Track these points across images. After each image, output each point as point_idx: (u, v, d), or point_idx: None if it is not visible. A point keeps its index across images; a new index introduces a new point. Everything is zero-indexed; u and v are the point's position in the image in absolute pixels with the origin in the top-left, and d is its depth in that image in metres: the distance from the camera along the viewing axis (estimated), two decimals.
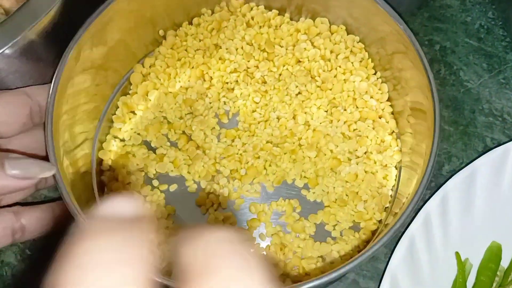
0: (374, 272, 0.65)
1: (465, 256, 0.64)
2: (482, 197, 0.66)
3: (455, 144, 0.70)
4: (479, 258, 0.65)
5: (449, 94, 0.72)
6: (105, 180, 0.65)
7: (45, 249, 0.66)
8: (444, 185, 0.65)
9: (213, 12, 0.69)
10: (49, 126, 0.56)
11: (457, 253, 0.64)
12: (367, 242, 0.63)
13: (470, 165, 0.66)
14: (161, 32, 0.69)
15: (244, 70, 0.68)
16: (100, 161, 0.66)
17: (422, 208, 0.64)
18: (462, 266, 0.64)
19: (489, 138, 0.71)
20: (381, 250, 0.64)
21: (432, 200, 0.64)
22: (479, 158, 0.66)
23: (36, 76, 0.59)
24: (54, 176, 0.54)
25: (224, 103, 0.68)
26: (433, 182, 0.68)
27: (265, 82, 0.68)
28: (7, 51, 0.54)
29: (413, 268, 0.63)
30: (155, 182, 0.65)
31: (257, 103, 0.68)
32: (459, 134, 0.71)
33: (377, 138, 0.66)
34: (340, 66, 0.68)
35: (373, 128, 0.66)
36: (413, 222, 0.63)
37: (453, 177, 0.65)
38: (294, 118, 0.67)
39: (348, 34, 0.69)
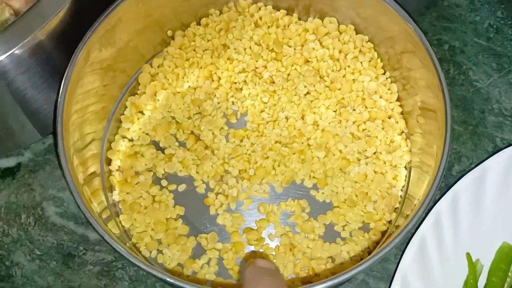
0: (384, 273, 0.66)
1: (476, 257, 0.65)
2: (492, 198, 0.66)
3: (465, 144, 0.71)
4: (490, 259, 0.65)
5: (459, 94, 0.73)
6: (114, 180, 0.66)
7: (55, 249, 0.67)
8: (454, 186, 0.65)
9: (221, 13, 0.70)
10: (59, 126, 0.57)
11: (468, 254, 0.64)
12: (377, 243, 0.64)
13: (480, 165, 0.67)
14: (169, 33, 0.70)
15: (253, 70, 0.69)
16: (109, 161, 0.67)
17: (433, 209, 0.64)
18: (473, 267, 0.64)
19: (499, 138, 0.71)
20: (391, 250, 0.65)
21: (443, 201, 0.65)
22: (489, 159, 0.67)
23: (45, 76, 0.60)
24: (65, 176, 0.55)
25: (233, 103, 0.69)
26: (443, 182, 0.68)
27: (273, 82, 0.69)
28: (16, 52, 0.55)
29: (424, 268, 0.63)
30: (164, 182, 0.66)
31: (265, 103, 0.68)
32: (468, 134, 0.71)
33: (387, 138, 0.67)
34: (349, 66, 0.69)
35: (383, 128, 0.67)
36: (423, 223, 0.64)
37: (463, 178, 0.66)
38: (302, 118, 0.68)
39: (356, 33, 0.69)
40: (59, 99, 0.57)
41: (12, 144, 0.69)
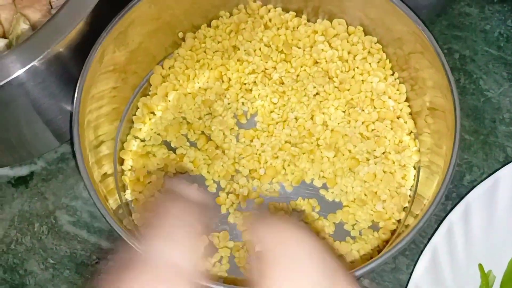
0: (396, 283, 0.68)
1: (488, 268, 0.67)
2: (504, 208, 0.69)
3: (476, 154, 0.73)
4: (503, 270, 0.67)
5: (469, 103, 0.75)
6: (127, 179, 0.69)
7: (68, 258, 0.70)
8: (466, 196, 0.68)
9: (231, 15, 0.75)
10: (75, 125, 0.61)
11: (480, 265, 0.67)
12: (386, 241, 0.67)
13: (492, 176, 0.69)
14: (180, 35, 0.74)
15: (262, 71, 0.73)
16: (121, 161, 0.70)
17: (445, 219, 0.67)
18: (486, 278, 0.66)
19: (510, 148, 0.74)
20: (403, 261, 0.68)
21: (455, 211, 0.67)
22: (501, 169, 0.70)
23: (62, 85, 0.64)
24: (81, 174, 0.59)
25: (242, 103, 0.73)
26: (455, 193, 0.71)
27: (282, 83, 0.73)
28: (34, 65, 0.59)
29: (436, 279, 0.66)
30: None
31: (274, 103, 0.72)
32: (479, 143, 0.74)
33: (395, 138, 0.70)
34: (357, 67, 0.72)
35: (391, 129, 0.71)
36: (436, 234, 0.66)
37: (475, 188, 0.69)
38: (312, 118, 0.72)
39: (365, 35, 0.73)
40: (75, 99, 0.61)
41: (26, 153, 0.72)
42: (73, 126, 0.61)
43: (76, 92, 0.62)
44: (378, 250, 0.67)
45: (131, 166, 0.70)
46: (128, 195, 0.69)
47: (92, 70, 0.63)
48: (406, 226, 0.65)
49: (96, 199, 0.59)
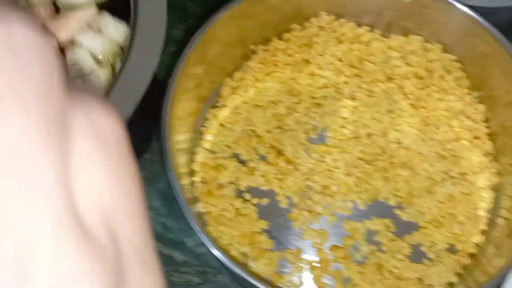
0: None
1: None
2: None
3: None
4: None
5: None
6: (198, 191, 0.69)
7: None
8: None
9: (303, 28, 0.75)
10: (166, 137, 0.62)
11: None
12: (464, 265, 0.67)
13: None
14: (251, 47, 0.75)
15: (333, 85, 0.74)
16: (192, 173, 0.71)
17: None
18: None
19: None
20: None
21: None
22: None
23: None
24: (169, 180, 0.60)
25: (313, 118, 0.73)
26: None
27: (354, 98, 0.73)
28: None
29: None
30: (247, 196, 0.70)
31: (345, 118, 0.73)
32: None
33: (473, 159, 0.71)
34: (434, 85, 0.73)
35: (469, 149, 0.71)
36: None
37: None
38: (385, 135, 0.72)
39: (443, 52, 0.74)
40: (164, 113, 0.63)
41: None
42: (164, 137, 0.62)
43: (165, 107, 0.63)
44: (456, 273, 0.67)
45: (202, 178, 0.70)
46: (199, 207, 0.69)
47: (179, 84, 0.64)
48: (489, 258, 0.66)
49: (183, 203, 0.60)
